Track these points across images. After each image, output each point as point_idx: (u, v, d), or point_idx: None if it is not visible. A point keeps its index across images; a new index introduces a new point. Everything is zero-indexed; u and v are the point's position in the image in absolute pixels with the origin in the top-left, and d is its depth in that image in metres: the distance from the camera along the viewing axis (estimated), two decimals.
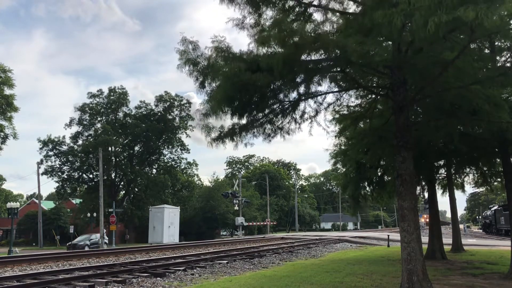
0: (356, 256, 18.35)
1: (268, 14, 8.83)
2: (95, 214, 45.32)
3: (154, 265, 14.11)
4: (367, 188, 14.79)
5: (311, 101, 9.77)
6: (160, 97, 57.52)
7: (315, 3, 9.00)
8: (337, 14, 8.73)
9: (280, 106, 9.32)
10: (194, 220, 56.31)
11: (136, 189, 56.94)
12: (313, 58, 7.85)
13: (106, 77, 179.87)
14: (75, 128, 55.93)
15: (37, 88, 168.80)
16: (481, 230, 64.39)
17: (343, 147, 14.28)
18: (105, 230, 40.34)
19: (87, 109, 55.66)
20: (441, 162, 16.70)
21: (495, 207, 48.49)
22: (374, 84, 10.80)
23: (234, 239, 37.75)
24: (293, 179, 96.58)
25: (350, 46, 6.72)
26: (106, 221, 43.28)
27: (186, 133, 58.72)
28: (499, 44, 10.33)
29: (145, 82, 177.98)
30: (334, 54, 7.50)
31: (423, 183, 17.84)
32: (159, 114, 57.33)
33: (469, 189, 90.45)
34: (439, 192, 19.88)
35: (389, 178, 14.67)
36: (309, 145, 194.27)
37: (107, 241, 37.61)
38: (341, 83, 9.37)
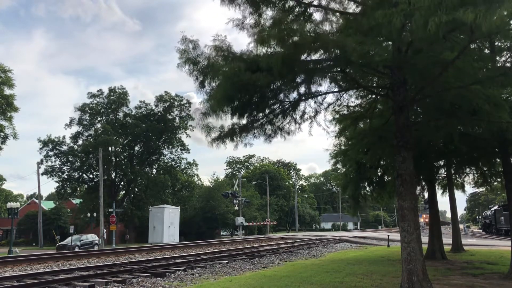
0: (356, 256, 18.35)
1: (268, 14, 8.83)
2: (95, 214, 45.32)
3: (154, 265, 14.11)
4: (367, 188, 14.79)
5: (311, 101, 9.78)
6: (160, 97, 57.58)
7: (315, 3, 9.00)
8: (337, 14, 8.73)
9: (280, 106, 9.32)
10: (194, 220, 56.32)
11: (136, 189, 56.96)
12: (313, 58, 7.86)
13: (106, 77, 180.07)
14: (75, 128, 56.07)
15: (37, 88, 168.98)
16: (481, 230, 64.38)
17: (343, 147, 14.28)
18: (105, 230, 40.35)
19: (87, 109, 55.68)
20: (441, 162, 16.71)
21: (495, 207, 48.48)
22: (374, 84, 10.80)
23: (234, 239, 37.75)
24: (293, 179, 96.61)
25: (350, 46, 6.72)
26: (106, 221, 43.30)
27: (186, 133, 58.84)
28: (499, 44, 10.34)
29: (145, 82, 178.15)
30: (334, 54, 7.50)
31: (423, 183, 17.84)
32: (159, 114, 57.36)
33: (469, 189, 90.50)
34: (439, 192, 19.91)
35: (389, 178, 14.67)
36: (309, 145, 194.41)
37: (98, 242, 36.79)
38: (341, 83, 9.37)
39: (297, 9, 8.99)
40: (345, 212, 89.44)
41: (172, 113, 57.65)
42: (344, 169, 15.65)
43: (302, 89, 8.94)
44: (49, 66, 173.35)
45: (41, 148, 53.48)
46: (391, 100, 9.01)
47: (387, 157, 13.15)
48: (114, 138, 52.14)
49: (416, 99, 8.96)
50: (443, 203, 74.87)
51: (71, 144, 55.09)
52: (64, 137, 55.08)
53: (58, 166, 54.04)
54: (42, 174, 51.65)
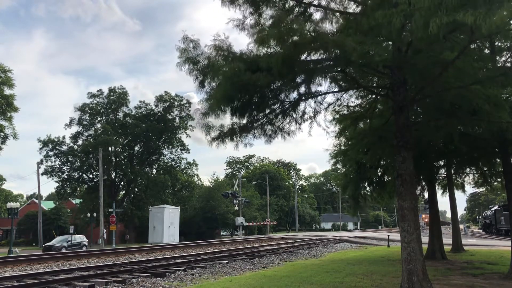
0: (356, 256, 18.35)
1: (268, 14, 8.83)
2: (95, 214, 45.33)
3: (154, 265, 14.11)
4: (367, 188, 14.80)
5: (311, 101, 9.78)
6: (160, 97, 57.58)
7: (315, 3, 9.01)
8: (337, 14, 8.73)
9: (281, 106, 9.32)
10: (194, 220, 56.31)
11: (136, 189, 56.95)
12: (313, 58, 7.86)
13: (106, 77, 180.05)
14: (75, 128, 56.08)
15: (37, 88, 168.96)
16: (481, 230, 64.37)
17: (343, 147, 14.28)
18: (105, 230, 40.30)
19: (87, 109, 55.68)
20: (441, 162, 16.71)
21: (495, 207, 48.47)
22: (374, 84, 10.80)
23: (234, 239, 37.75)
24: (293, 179, 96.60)
25: (350, 45, 6.72)
26: (106, 221, 43.31)
27: (186, 133, 58.84)
28: (499, 44, 10.34)
29: (145, 82, 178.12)
30: (334, 54, 7.50)
31: (423, 183, 17.85)
32: (159, 114, 57.36)
33: (469, 189, 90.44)
34: (439, 192, 19.91)
35: (389, 178, 14.67)
36: (309, 145, 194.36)
37: (86, 243, 35.57)
38: (341, 83, 9.36)
39: (297, 9, 8.99)
40: (345, 212, 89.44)
41: (172, 113, 57.67)
42: (344, 169, 15.66)
43: (302, 89, 8.94)
44: (49, 66, 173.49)
45: (41, 148, 53.54)
46: (391, 100, 9.01)
47: (387, 157, 13.15)
48: (114, 138, 52.14)
49: (416, 99, 8.96)
50: (443, 203, 74.93)
51: (71, 144, 55.16)
52: (64, 137, 55.19)
53: (58, 166, 54.08)
54: (42, 174, 51.71)
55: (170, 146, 59.51)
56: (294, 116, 9.75)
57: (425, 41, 6.18)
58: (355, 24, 7.23)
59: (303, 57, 7.74)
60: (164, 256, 18.32)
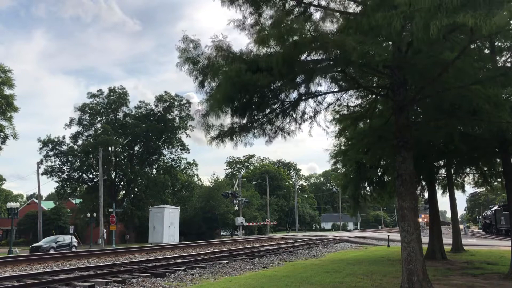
0: (356, 256, 18.35)
1: (268, 14, 8.84)
2: (95, 214, 45.30)
3: (154, 265, 14.11)
4: (367, 188, 14.80)
5: (311, 101, 9.79)
6: (160, 97, 57.55)
7: (315, 3, 9.01)
8: (337, 14, 8.73)
9: (281, 106, 9.32)
10: (194, 220, 56.30)
11: (136, 189, 56.92)
12: (313, 58, 7.86)
13: (106, 77, 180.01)
14: (75, 128, 56.03)
15: (37, 88, 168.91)
16: (481, 230, 64.36)
17: (343, 147, 14.28)
18: (105, 230, 40.25)
19: (87, 109, 55.66)
20: (441, 162, 16.71)
21: (495, 207, 48.45)
22: (374, 84, 10.80)
23: (234, 239, 37.75)
24: (293, 179, 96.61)
25: (350, 45, 6.72)
26: (106, 221, 43.30)
27: (186, 133, 58.78)
28: (499, 44, 10.34)
29: (145, 82, 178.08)
30: (333, 53, 7.50)
31: (423, 183, 17.85)
32: (159, 114, 57.34)
33: (469, 189, 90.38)
34: (439, 192, 19.91)
35: (389, 178, 14.67)
36: (309, 145, 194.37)
37: (76, 244, 34.23)
38: (341, 83, 9.37)
39: (297, 9, 8.99)
40: (345, 212, 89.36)
41: (172, 113, 57.63)
42: (344, 169, 15.66)
43: (302, 89, 8.94)
44: (49, 66, 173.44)
45: (41, 148, 53.49)
46: (391, 100, 9.01)
47: (387, 157, 13.15)
48: (114, 138, 52.12)
49: (416, 99, 8.96)
50: (443, 203, 74.89)
51: (71, 144, 55.10)
52: (64, 137, 55.11)
53: (58, 166, 54.03)
54: (42, 174, 51.65)
55: (170, 146, 59.49)
56: (294, 116, 9.76)
57: (425, 42, 6.18)
58: (355, 24, 7.23)
59: (303, 57, 7.74)
60: (164, 256, 18.32)
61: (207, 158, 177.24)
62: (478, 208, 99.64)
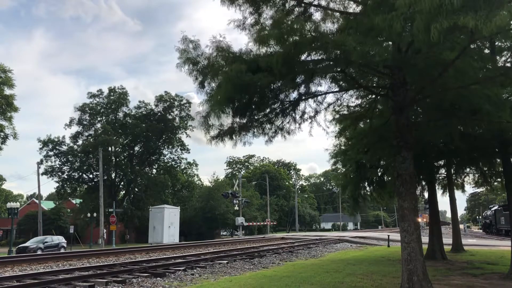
0: (356, 256, 18.35)
1: (268, 13, 8.84)
2: (95, 214, 45.31)
3: (154, 265, 14.11)
4: (367, 188, 14.76)
5: (311, 101, 9.79)
6: (160, 97, 57.55)
7: (315, 3, 9.01)
8: (337, 14, 8.73)
9: (280, 106, 9.32)
10: (194, 220, 56.30)
11: (136, 189, 56.93)
12: (313, 58, 7.86)
13: (106, 77, 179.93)
14: (75, 128, 56.03)
15: (37, 88, 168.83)
16: (481, 230, 64.35)
17: (343, 147, 14.26)
18: (105, 230, 40.23)
19: (87, 109, 55.66)
20: (441, 162, 16.71)
21: (495, 207, 48.44)
22: (374, 84, 10.80)
23: (234, 239, 37.76)
24: (293, 179, 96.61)
25: (350, 46, 6.72)
26: (106, 221, 43.31)
27: (186, 133, 58.78)
28: (499, 44, 10.34)
29: (146, 82, 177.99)
30: (334, 54, 7.50)
31: (423, 183, 17.84)
32: (159, 114, 57.34)
33: (469, 189, 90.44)
34: (439, 192, 19.92)
35: (389, 178, 14.65)
36: (309, 145, 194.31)
37: (64, 245, 33.25)
38: (341, 83, 9.37)
39: (297, 9, 9.00)
40: (345, 212, 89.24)
41: (172, 113, 57.62)
42: (344, 169, 15.63)
43: (302, 89, 8.94)
44: (49, 66, 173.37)
45: (41, 148, 53.50)
46: (391, 100, 9.01)
47: (387, 157, 13.13)
48: (114, 138, 52.12)
49: (416, 99, 8.96)
50: (443, 203, 74.98)
51: (71, 144, 55.11)
52: (64, 137, 55.12)
53: (58, 166, 54.03)
54: (42, 174, 51.66)
55: (170, 146, 59.50)
56: (294, 115, 9.76)
57: (426, 43, 6.17)
58: (355, 24, 7.23)
59: (303, 57, 7.74)
60: (164, 256, 18.32)
61: (207, 158, 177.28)
62: (478, 208, 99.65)
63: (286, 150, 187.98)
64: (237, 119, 9.06)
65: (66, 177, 54.51)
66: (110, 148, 52.87)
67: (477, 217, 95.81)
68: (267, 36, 7.59)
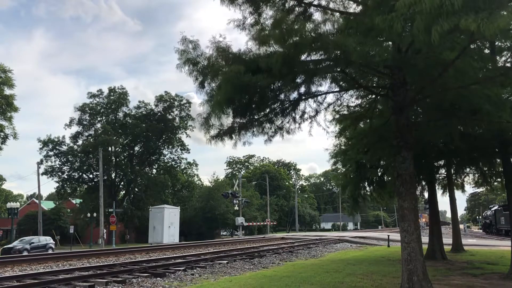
0: (356, 256, 18.35)
1: (268, 13, 8.84)
2: (95, 214, 45.31)
3: (154, 265, 14.11)
4: (367, 188, 14.76)
5: (311, 101, 9.79)
6: (160, 97, 57.55)
7: (315, 3, 9.01)
8: (337, 14, 8.73)
9: (280, 106, 9.32)
10: (194, 220, 56.30)
11: (136, 189, 56.94)
12: (313, 58, 7.86)
13: (106, 77, 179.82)
14: (75, 128, 56.03)
15: (37, 88, 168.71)
16: (481, 230, 64.35)
17: (343, 147, 14.26)
18: (105, 230, 40.21)
19: (87, 109, 55.65)
20: (441, 162, 16.70)
21: (495, 207, 48.43)
22: (374, 84, 10.80)
23: (234, 239, 37.76)
24: (293, 179, 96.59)
25: (351, 46, 6.72)
26: (106, 221, 43.31)
27: (186, 133, 58.78)
28: (499, 44, 10.34)
29: (146, 82, 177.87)
30: (334, 54, 7.50)
31: (423, 183, 17.84)
32: (159, 114, 57.34)
33: (469, 189, 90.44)
34: (439, 192, 19.92)
35: (389, 178, 14.65)
36: (309, 145, 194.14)
37: (52, 245, 32.41)
38: (341, 83, 9.37)
39: (297, 9, 9.00)
40: (345, 212, 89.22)
41: (172, 113, 57.62)
42: (344, 169, 15.62)
43: (302, 89, 8.95)
44: (49, 66, 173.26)
45: (41, 148, 53.50)
46: (391, 100, 9.01)
47: (387, 157, 13.12)
48: (114, 138, 52.12)
49: (416, 99, 8.96)
50: (443, 203, 75.00)
51: (71, 144, 55.11)
52: (64, 137, 55.11)
53: (58, 166, 54.03)
54: (42, 174, 51.64)
55: (170, 146, 59.50)
56: (294, 115, 9.76)
57: (426, 44, 6.17)
58: (355, 24, 7.23)
59: (303, 57, 7.74)
60: (164, 256, 18.33)
61: (207, 158, 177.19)
62: (478, 208, 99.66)
63: (286, 150, 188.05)
64: (238, 119, 9.06)
65: (66, 177, 54.51)
66: (110, 148, 52.87)
67: (477, 217, 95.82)
68: (268, 37, 7.60)
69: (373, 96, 11.19)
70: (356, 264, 14.69)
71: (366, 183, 14.47)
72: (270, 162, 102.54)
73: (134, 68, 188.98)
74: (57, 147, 54.03)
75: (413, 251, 8.15)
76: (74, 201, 61.53)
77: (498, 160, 13.86)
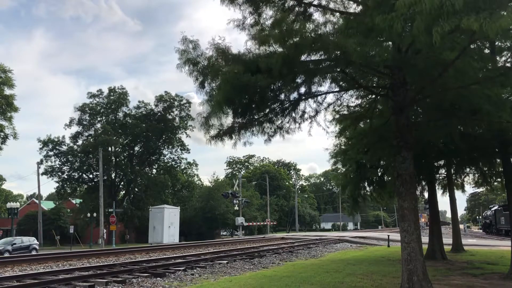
0: (356, 256, 18.35)
1: (268, 13, 8.85)
2: (95, 214, 45.31)
3: (154, 265, 14.11)
4: (367, 188, 14.76)
5: (311, 101, 9.79)
6: (160, 97, 57.53)
7: (315, 3, 9.01)
8: (337, 14, 8.74)
9: (280, 106, 9.32)
10: (194, 220, 56.30)
11: (136, 189, 56.92)
12: (313, 58, 7.86)
13: (106, 77, 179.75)
14: (75, 128, 56.00)
15: (37, 88, 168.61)
16: (481, 230, 64.35)
17: (343, 147, 14.26)
18: (105, 230, 40.19)
19: (87, 109, 55.64)
20: (441, 162, 16.70)
21: (495, 207, 48.43)
22: (374, 84, 10.80)
23: (234, 239, 37.76)
24: (293, 179, 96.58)
25: (351, 46, 6.72)
26: (106, 221, 43.32)
27: (186, 133, 58.75)
28: (499, 44, 10.34)
29: (146, 82, 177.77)
30: (334, 54, 7.50)
31: (423, 183, 17.84)
32: (159, 114, 57.32)
33: (469, 189, 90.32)
34: (439, 192, 19.91)
35: (389, 178, 14.65)
36: (309, 145, 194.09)
37: (36, 246, 31.88)
38: (341, 83, 9.37)
39: (297, 9, 9.00)
40: (345, 212, 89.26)
41: (172, 113, 57.58)
42: (344, 169, 15.62)
43: (302, 89, 8.95)
44: (49, 66, 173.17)
45: (41, 148, 53.47)
46: (391, 100, 9.01)
47: (387, 157, 13.12)
48: (114, 138, 52.11)
49: (416, 99, 8.96)
50: (443, 203, 74.99)
51: (71, 144, 55.08)
52: (64, 137, 55.08)
53: (58, 166, 54.00)
54: (42, 174, 51.68)
55: (170, 146, 59.47)
56: (294, 115, 9.76)
57: (426, 44, 6.16)
58: (355, 24, 7.23)
59: (303, 57, 7.73)
60: (164, 256, 18.33)
61: (207, 158, 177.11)
62: (478, 208, 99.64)
63: (286, 150, 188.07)
64: (238, 119, 9.06)
65: (66, 177, 54.49)
66: (110, 148, 52.86)
67: (477, 217, 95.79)
68: (267, 37, 7.60)
69: (373, 96, 11.19)
70: (356, 264, 14.69)
71: (366, 183, 14.47)
72: (270, 162, 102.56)
73: (134, 68, 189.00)
74: (57, 147, 54.02)
75: (413, 251, 8.15)
76: (74, 201, 61.52)
77: (498, 160, 13.86)
